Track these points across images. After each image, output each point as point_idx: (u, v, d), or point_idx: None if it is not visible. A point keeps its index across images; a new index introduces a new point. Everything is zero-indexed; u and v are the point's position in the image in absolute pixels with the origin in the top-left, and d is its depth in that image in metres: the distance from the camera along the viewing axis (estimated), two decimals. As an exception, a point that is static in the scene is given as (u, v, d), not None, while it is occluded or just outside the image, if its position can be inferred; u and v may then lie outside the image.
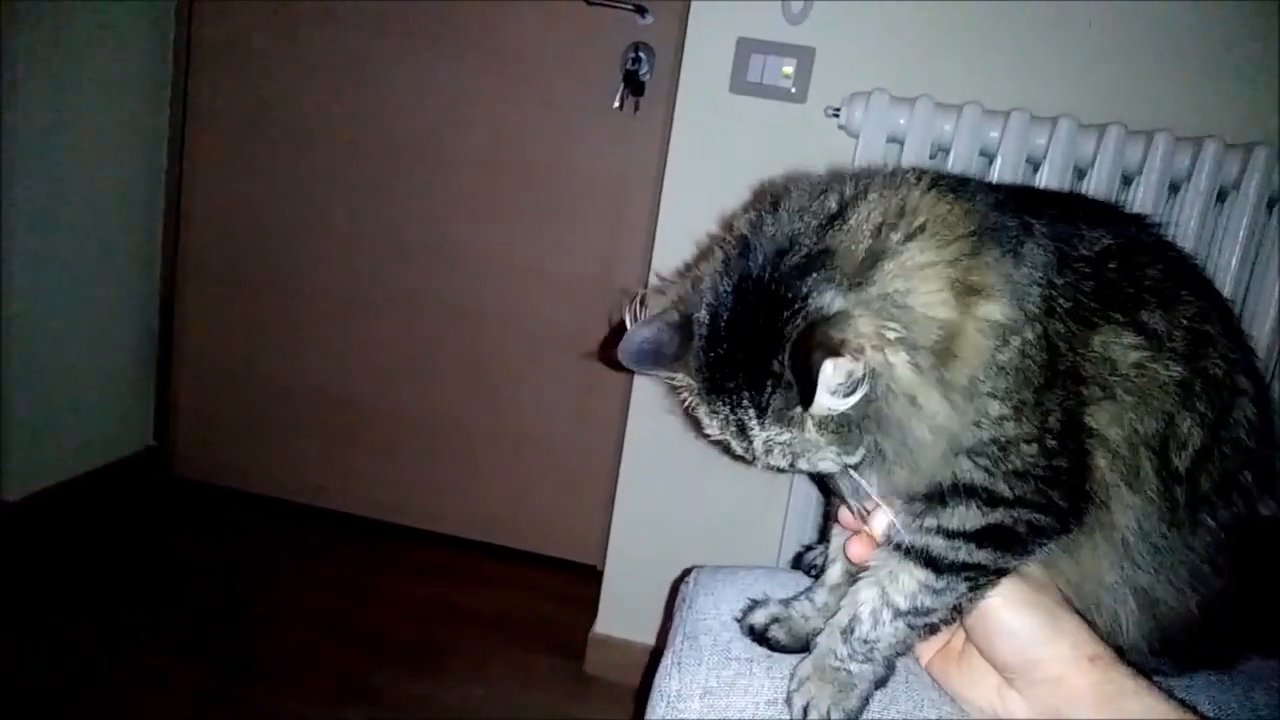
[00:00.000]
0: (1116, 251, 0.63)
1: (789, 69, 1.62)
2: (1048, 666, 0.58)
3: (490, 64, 2.16)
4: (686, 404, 0.67)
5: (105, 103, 2.21)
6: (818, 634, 0.68)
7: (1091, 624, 0.60)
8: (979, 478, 0.58)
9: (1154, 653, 0.64)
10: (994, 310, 0.58)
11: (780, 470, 0.64)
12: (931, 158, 1.51)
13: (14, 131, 1.98)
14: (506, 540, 2.39)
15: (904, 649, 0.63)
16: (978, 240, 0.59)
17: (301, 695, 1.71)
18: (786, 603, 0.71)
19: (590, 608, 1.94)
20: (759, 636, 0.69)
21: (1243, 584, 0.64)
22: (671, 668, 0.68)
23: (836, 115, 1.55)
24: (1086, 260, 0.62)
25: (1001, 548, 0.59)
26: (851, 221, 0.59)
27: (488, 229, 2.25)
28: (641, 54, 2.02)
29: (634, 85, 2.03)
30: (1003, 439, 0.58)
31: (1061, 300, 0.60)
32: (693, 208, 1.70)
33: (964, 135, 1.47)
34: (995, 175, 1.48)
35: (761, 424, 0.60)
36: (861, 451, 0.59)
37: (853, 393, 0.55)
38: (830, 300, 0.56)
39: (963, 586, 0.59)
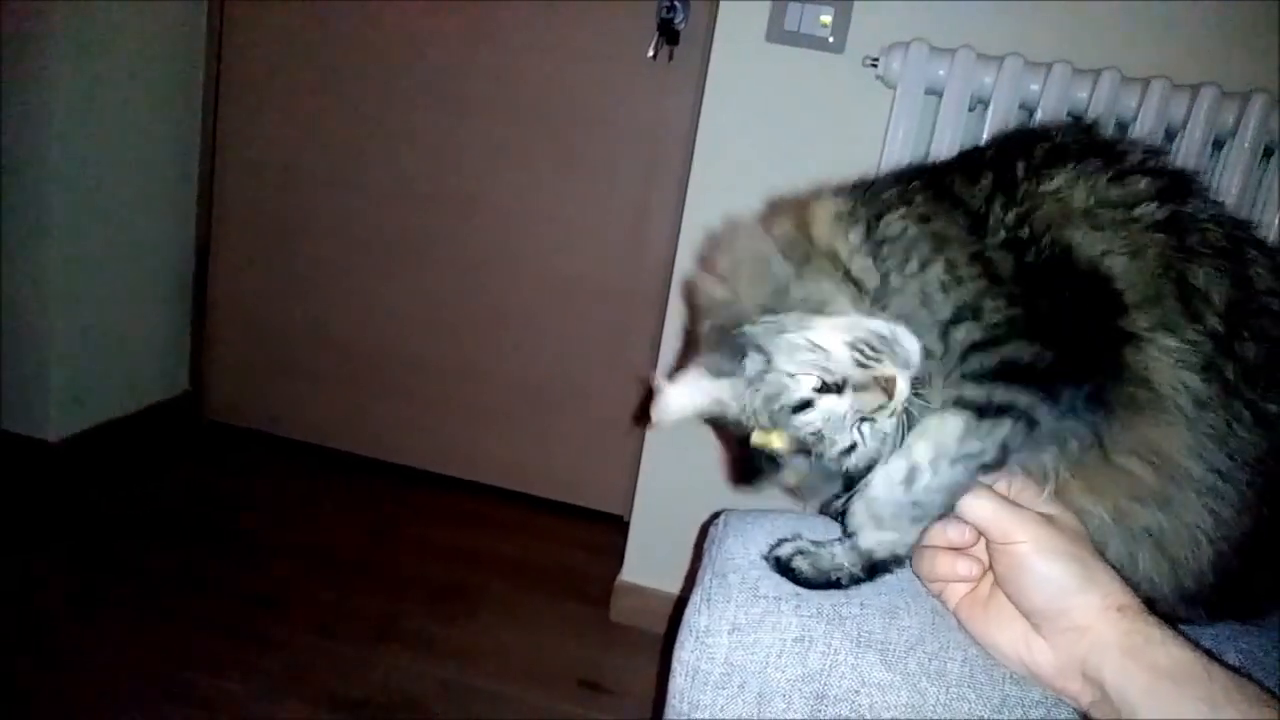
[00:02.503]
0: (1028, 137, 0.71)
1: (827, 18, 1.59)
2: (1076, 615, 0.58)
3: (524, 12, 2.14)
4: None
5: (142, 52, 2.22)
6: (841, 570, 0.68)
7: (1125, 578, 0.60)
8: (976, 335, 0.61)
9: (1199, 592, 0.64)
10: (826, 203, 0.69)
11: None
12: (970, 110, 1.49)
13: (54, 81, 2.00)
14: (534, 489, 2.42)
15: (962, 492, 0.62)
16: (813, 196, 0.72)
17: (330, 634, 1.75)
18: (816, 542, 0.71)
19: (616, 557, 1.97)
20: (783, 567, 0.70)
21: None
22: (700, 604, 0.69)
23: (874, 66, 1.53)
24: (992, 150, 0.71)
25: (1025, 384, 0.60)
26: None
27: (519, 179, 2.25)
28: (676, 2, 1.99)
29: (669, 34, 2.01)
30: (966, 305, 0.61)
31: (962, 185, 0.66)
32: (727, 159, 1.69)
33: (1004, 87, 1.45)
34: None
35: None
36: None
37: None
38: None
39: (1006, 425, 0.60)
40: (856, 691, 0.64)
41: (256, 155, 2.39)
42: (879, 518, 0.64)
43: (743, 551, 0.73)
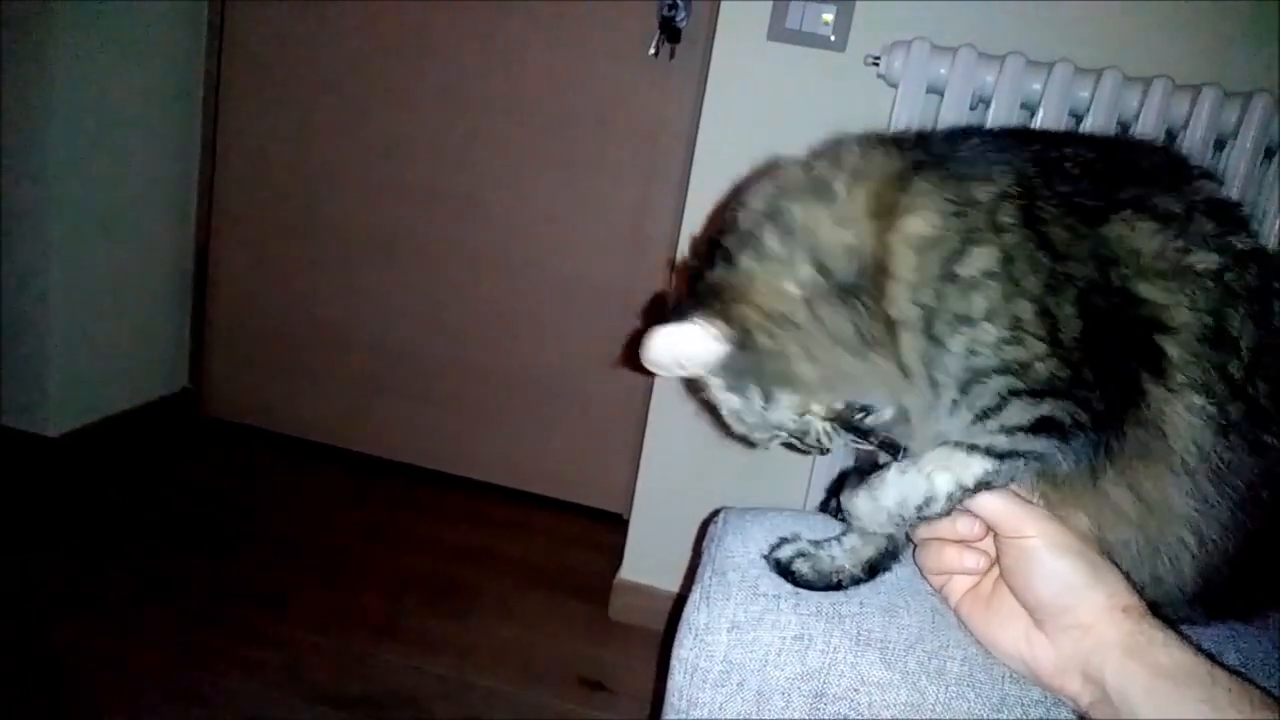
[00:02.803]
0: (1107, 153, 0.64)
1: (829, 16, 1.59)
2: (1081, 612, 0.58)
3: (524, 9, 2.14)
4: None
5: (142, 49, 2.22)
6: (842, 573, 0.69)
7: (1128, 577, 0.60)
8: (1016, 384, 0.59)
9: (1191, 599, 0.64)
10: (921, 218, 0.62)
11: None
12: (972, 109, 1.49)
13: (54, 79, 1.99)
14: (534, 487, 2.42)
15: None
16: (905, 174, 0.63)
17: (329, 630, 1.75)
18: (816, 543, 0.71)
19: (615, 555, 1.97)
20: (784, 570, 0.70)
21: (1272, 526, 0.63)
22: (700, 602, 0.69)
23: (876, 64, 1.53)
24: (1076, 163, 0.63)
25: (1052, 435, 0.60)
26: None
27: (519, 177, 2.25)
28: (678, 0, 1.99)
29: (670, 32, 2.00)
30: (1018, 361, 0.59)
31: (1049, 207, 0.60)
32: (728, 158, 1.68)
33: (1005, 86, 1.45)
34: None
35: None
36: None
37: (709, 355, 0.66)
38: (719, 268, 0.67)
39: (1020, 464, 0.61)
40: (856, 690, 0.64)
41: (256, 151, 2.39)
42: (885, 520, 0.66)
43: (742, 549, 0.73)
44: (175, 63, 2.31)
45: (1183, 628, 0.59)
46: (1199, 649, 0.56)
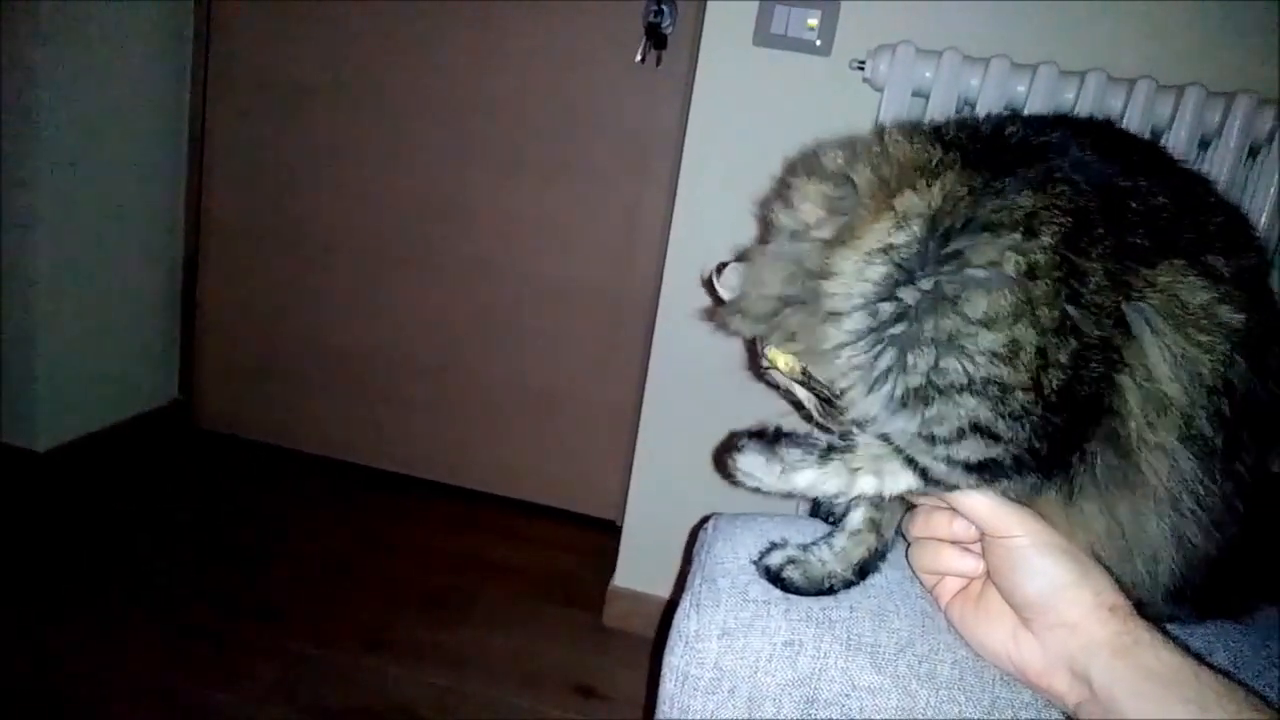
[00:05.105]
0: (1175, 202, 0.61)
1: (813, 21, 1.59)
2: (1067, 611, 0.58)
3: (510, 17, 2.14)
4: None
5: (128, 64, 2.21)
6: (834, 577, 0.69)
7: (1115, 578, 0.61)
8: (984, 415, 0.57)
9: (1175, 598, 0.64)
10: (914, 200, 0.59)
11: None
12: (957, 112, 1.50)
13: (40, 88, 1.99)
14: (527, 495, 2.42)
15: None
16: (938, 166, 0.60)
17: (322, 642, 1.74)
18: (805, 547, 0.71)
19: (609, 562, 1.97)
20: (774, 577, 0.70)
21: (1256, 531, 0.63)
22: (690, 609, 0.69)
23: (861, 68, 1.53)
24: (1143, 203, 0.60)
25: (987, 476, 0.60)
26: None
27: (508, 184, 2.25)
28: (664, 6, 2.00)
29: (656, 38, 2.01)
30: (999, 382, 0.56)
31: (1098, 244, 0.57)
32: (715, 162, 1.69)
33: (990, 89, 1.45)
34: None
35: None
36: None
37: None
38: None
39: (941, 490, 0.63)
40: (847, 695, 0.64)
41: (244, 160, 2.39)
42: (775, 489, 0.65)
43: (732, 555, 0.73)
44: (162, 70, 2.31)
45: (1172, 627, 0.59)
46: (1186, 649, 0.56)
